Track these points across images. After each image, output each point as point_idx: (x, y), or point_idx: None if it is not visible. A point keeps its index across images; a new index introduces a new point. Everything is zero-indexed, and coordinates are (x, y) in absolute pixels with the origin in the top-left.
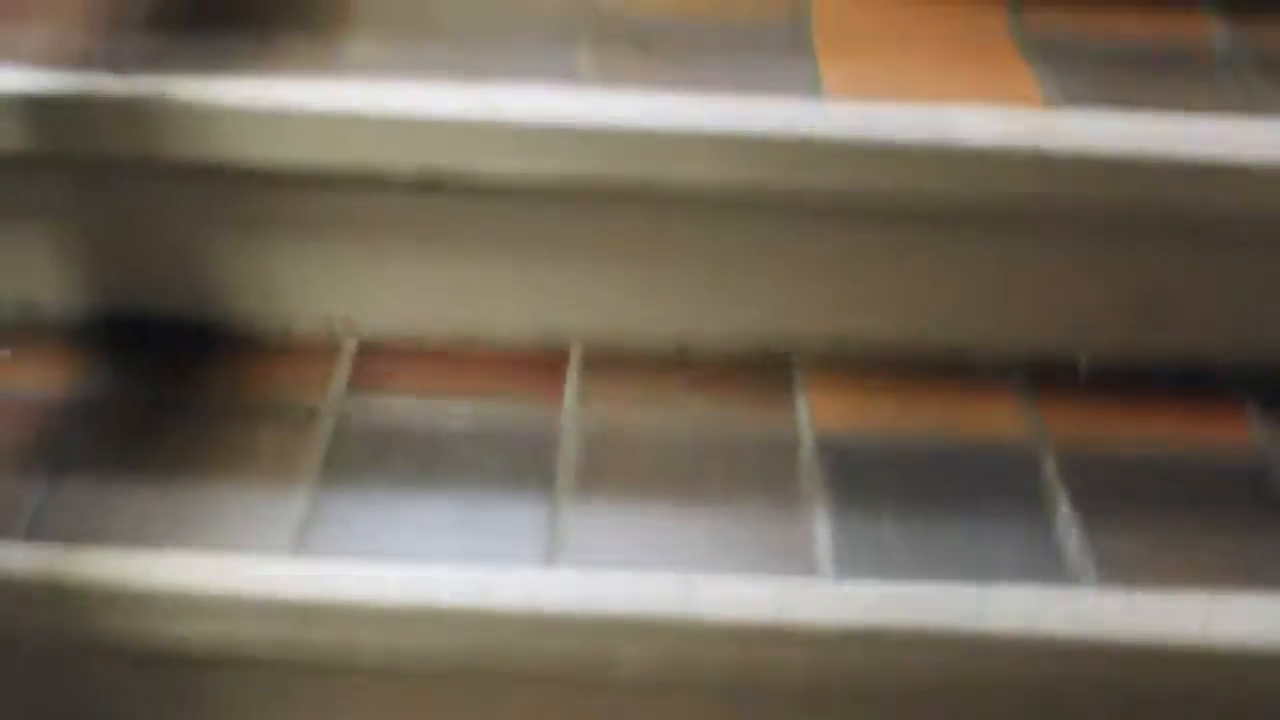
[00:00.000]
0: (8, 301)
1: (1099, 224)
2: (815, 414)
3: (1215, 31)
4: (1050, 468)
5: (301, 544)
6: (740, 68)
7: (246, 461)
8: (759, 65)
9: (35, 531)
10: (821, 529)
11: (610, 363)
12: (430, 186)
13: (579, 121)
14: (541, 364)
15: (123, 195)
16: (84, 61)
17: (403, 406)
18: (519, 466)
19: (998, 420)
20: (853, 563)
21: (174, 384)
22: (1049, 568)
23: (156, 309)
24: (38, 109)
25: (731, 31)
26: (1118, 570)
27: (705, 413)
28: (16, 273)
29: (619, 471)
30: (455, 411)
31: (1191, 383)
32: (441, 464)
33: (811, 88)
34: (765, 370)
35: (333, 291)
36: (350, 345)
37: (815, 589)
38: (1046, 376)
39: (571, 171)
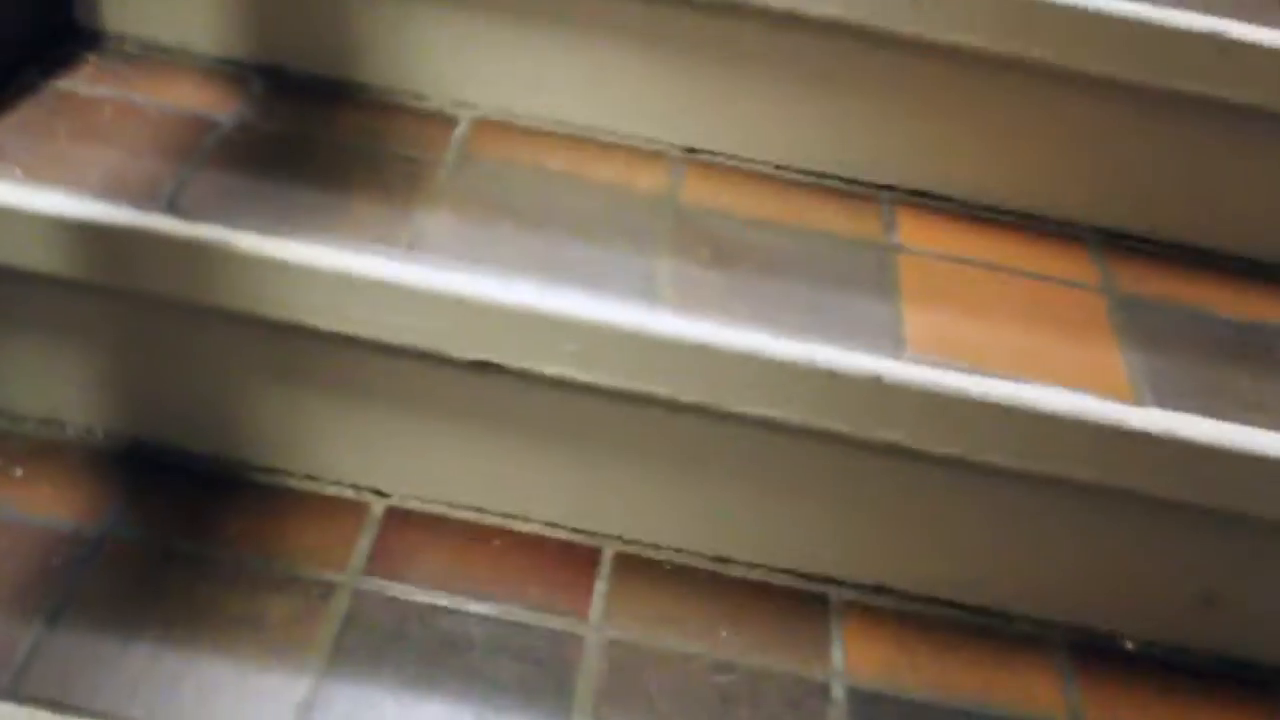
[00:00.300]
0: (30, 416)
1: (1169, 513)
2: (849, 660)
3: None
4: None
5: None
6: (821, 292)
7: (251, 633)
8: (840, 291)
9: (20, 684)
10: None
11: (643, 570)
12: (484, 370)
13: (645, 341)
14: (572, 563)
15: (165, 330)
16: (150, 193)
17: (422, 595)
18: (536, 680)
19: (1035, 691)
20: None
21: (189, 531)
22: None
23: (182, 445)
24: (93, 239)
25: (815, 243)
26: None
27: (736, 642)
28: (43, 388)
29: (639, 701)
30: (476, 609)
31: (1234, 680)
32: (455, 664)
33: (891, 329)
34: (802, 601)
35: (367, 456)
36: (378, 512)
37: None
38: (1089, 650)
39: (632, 386)
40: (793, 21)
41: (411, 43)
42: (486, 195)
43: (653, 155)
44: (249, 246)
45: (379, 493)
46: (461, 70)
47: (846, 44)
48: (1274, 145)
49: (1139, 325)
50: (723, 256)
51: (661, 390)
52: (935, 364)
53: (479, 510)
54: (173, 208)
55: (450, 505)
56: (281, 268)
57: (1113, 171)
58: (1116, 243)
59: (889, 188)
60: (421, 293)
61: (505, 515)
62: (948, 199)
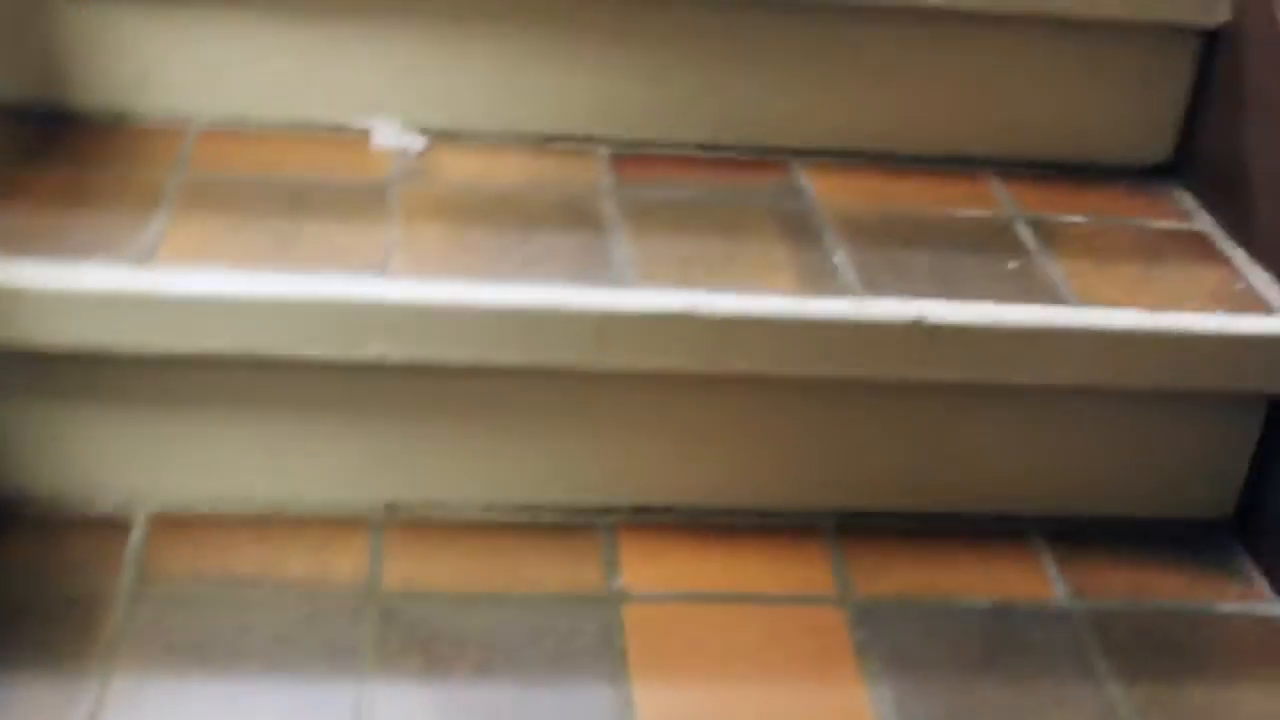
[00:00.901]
0: None
1: None
2: None
3: (1056, 592)
4: None
5: None
6: (545, 690)
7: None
8: (564, 682)
9: None
10: None
11: None
12: None
13: None
14: None
15: None
16: None
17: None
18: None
19: None
20: None
21: None
22: None
23: None
24: None
25: (535, 616)
26: None
27: None
28: None
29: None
30: None
31: None
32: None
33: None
34: None
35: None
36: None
37: None
38: None
39: None
40: (475, 372)
41: (75, 446)
42: (170, 631)
43: (351, 522)
44: None
45: None
46: (132, 467)
47: (538, 382)
48: (986, 410)
49: (881, 642)
50: (434, 663)
51: None
52: None
53: None
54: None
55: None
56: None
57: (834, 456)
58: (852, 526)
59: (608, 510)
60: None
61: None
62: (671, 511)
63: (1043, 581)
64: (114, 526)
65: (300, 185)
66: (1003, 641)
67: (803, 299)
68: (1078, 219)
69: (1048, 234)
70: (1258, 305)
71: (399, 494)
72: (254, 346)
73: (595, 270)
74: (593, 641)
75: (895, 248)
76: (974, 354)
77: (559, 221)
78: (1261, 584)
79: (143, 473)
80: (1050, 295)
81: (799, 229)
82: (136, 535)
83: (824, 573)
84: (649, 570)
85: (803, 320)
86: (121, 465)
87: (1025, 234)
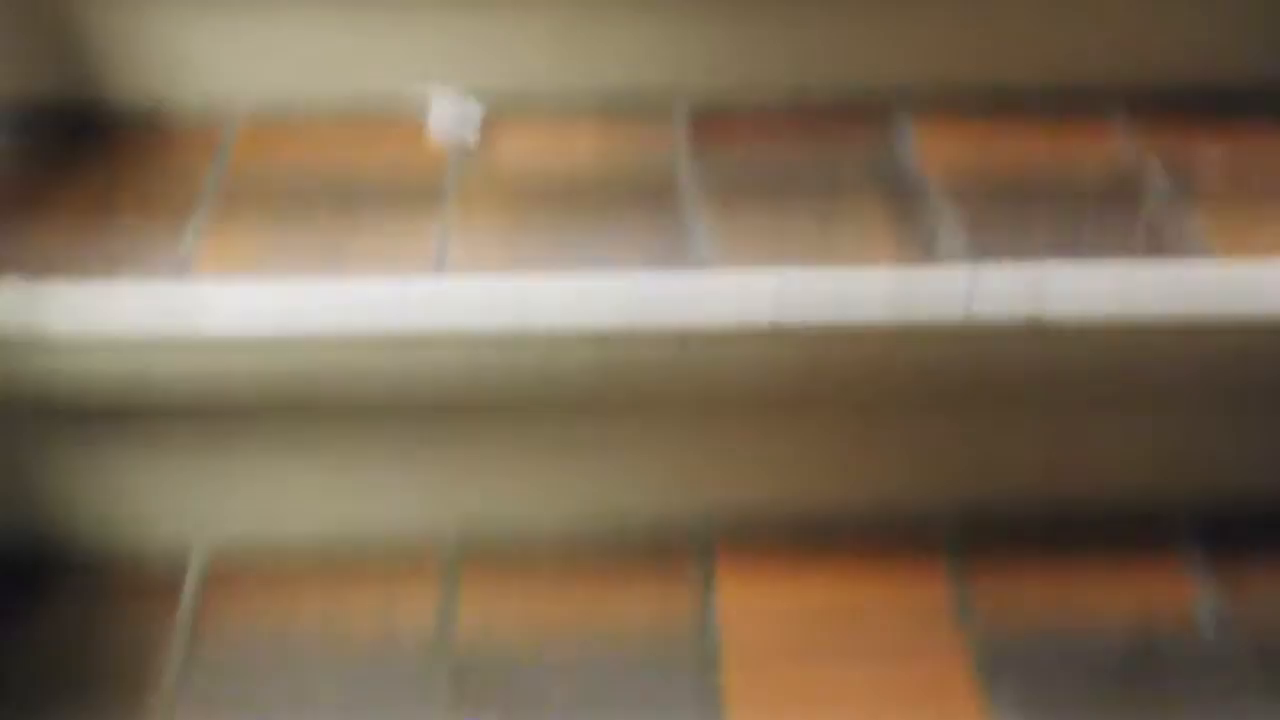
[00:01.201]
0: None
1: None
2: None
3: (1206, 607)
4: None
5: None
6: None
7: None
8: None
9: None
10: None
11: None
12: None
13: None
14: None
15: None
16: None
17: None
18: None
19: None
20: None
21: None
22: None
23: None
24: None
25: (622, 658)
26: None
27: None
28: None
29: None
30: None
31: None
32: None
33: None
34: None
35: None
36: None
37: None
38: None
39: None
40: (544, 380)
41: (122, 488)
42: (226, 702)
43: (421, 560)
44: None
45: None
46: (186, 508)
47: (616, 391)
48: (1119, 398)
49: (1009, 673)
50: (514, 715)
51: None
52: None
53: None
54: None
55: None
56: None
57: (950, 457)
58: (971, 536)
59: (700, 530)
60: None
61: None
62: (769, 528)
63: (1192, 595)
64: (164, 578)
65: (350, 178)
66: (1149, 668)
67: (908, 283)
68: (1216, 156)
69: (1184, 176)
70: None
71: (470, 524)
72: (302, 365)
73: (675, 259)
74: (688, 681)
75: (1011, 207)
76: (1101, 338)
77: (633, 205)
78: None
79: (193, 513)
80: (1192, 253)
81: (901, 194)
82: (188, 588)
83: (941, 592)
84: (747, 597)
85: (910, 326)
86: (175, 504)
87: (1158, 179)
